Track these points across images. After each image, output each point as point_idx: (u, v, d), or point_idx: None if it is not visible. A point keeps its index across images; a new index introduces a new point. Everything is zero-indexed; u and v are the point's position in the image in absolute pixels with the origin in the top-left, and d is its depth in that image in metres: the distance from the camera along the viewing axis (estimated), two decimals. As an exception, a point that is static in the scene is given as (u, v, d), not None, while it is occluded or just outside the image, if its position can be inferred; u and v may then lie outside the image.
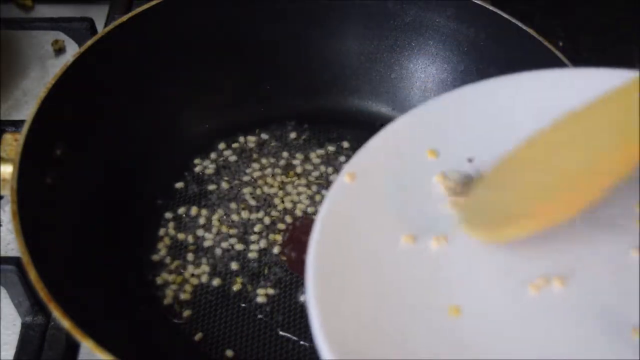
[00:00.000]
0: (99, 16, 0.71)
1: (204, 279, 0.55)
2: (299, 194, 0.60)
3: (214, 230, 0.58)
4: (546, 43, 0.55)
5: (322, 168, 0.62)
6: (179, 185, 0.60)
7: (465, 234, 0.40)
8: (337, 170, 0.61)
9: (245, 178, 0.61)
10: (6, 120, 0.63)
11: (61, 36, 0.72)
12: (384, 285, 0.38)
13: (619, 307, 0.37)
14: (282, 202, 0.59)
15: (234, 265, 0.56)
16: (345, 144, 0.63)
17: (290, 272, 0.56)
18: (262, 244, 0.57)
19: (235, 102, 0.64)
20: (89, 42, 0.55)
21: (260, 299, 0.54)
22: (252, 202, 0.59)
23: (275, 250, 0.57)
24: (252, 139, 0.63)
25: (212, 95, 0.63)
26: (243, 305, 0.54)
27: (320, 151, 0.63)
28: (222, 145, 0.63)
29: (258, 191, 0.60)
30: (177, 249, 0.57)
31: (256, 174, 0.61)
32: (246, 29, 0.63)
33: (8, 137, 0.50)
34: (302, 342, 0.52)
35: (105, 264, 0.53)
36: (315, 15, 0.63)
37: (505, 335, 0.36)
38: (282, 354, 0.52)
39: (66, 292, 0.44)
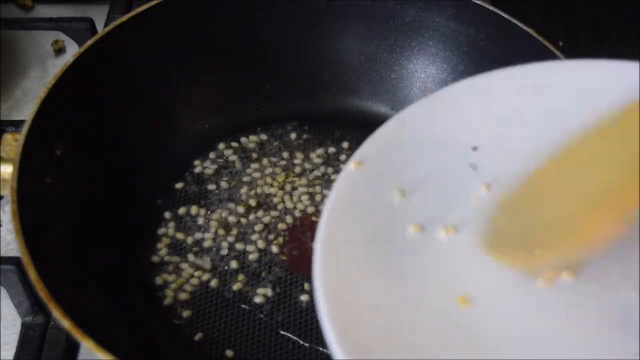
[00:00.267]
0: (99, 16, 0.71)
1: (204, 278, 0.55)
2: (299, 194, 0.60)
3: (214, 230, 0.58)
4: (546, 43, 0.55)
5: (323, 168, 0.62)
6: (179, 185, 0.60)
7: (488, 255, 0.39)
8: (337, 170, 0.61)
9: (245, 178, 0.61)
10: (6, 120, 0.63)
11: (61, 36, 0.72)
12: (392, 275, 0.38)
13: (630, 299, 0.37)
14: (282, 202, 0.59)
15: (233, 265, 0.56)
16: (345, 144, 0.63)
17: (290, 272, 0.56)
18: (262, 244, 0.57)
19: (235, 102, 0.64)
20: (89, 42, 0.55)
21: (260, 299, 0.54)
22: (252, 202, 0.59)
23: (275, 250, 0.57)
24: (252, 138, 0.63)
25: (212, 95, 0.63)
26: (243, 305, 0.54)
27: (321, 151, 0.63)
28: (222, 145, 0.63)
29: (258, 191, 0.60)
30: (177, 249, 0.57)
31: (256, 174, 0.61)
32: (246, 29, 0.63)
33: (8, 137, 0.50)
34: (302, 342, 0.52)
35: (105, 264, 0.53)
36: (315, 15, 0.63)
37: (514, 327, 0.36)
38: (282, 354, 0.52)
39: (66, 292, 0.44)
